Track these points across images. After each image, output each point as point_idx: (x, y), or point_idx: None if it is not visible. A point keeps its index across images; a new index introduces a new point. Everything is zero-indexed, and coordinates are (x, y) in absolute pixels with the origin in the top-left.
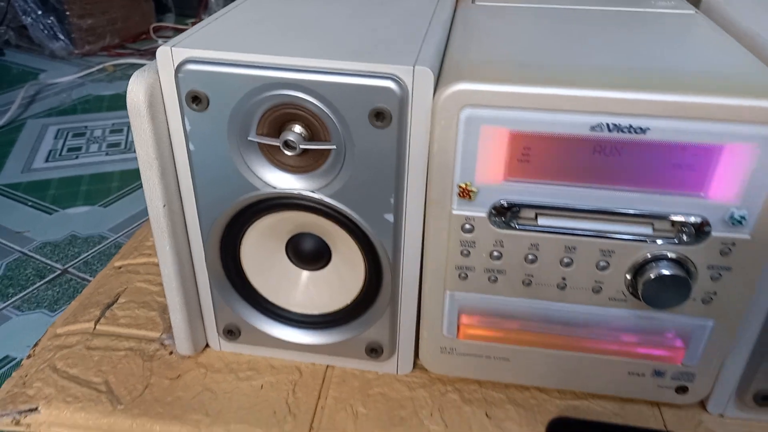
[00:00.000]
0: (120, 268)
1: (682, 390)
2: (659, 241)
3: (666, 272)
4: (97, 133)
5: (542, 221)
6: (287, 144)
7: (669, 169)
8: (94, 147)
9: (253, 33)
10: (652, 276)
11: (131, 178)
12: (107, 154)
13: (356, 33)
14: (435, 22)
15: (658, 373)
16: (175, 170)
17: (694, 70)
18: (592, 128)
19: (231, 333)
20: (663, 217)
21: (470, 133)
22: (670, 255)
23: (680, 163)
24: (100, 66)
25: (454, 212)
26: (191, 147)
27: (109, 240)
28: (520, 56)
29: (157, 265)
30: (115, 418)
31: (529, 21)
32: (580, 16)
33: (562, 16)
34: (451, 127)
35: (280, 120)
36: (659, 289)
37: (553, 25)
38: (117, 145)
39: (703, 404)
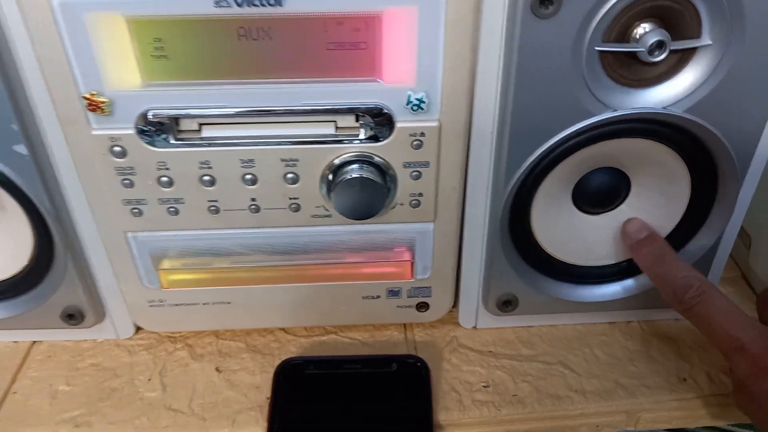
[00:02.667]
0: None
1: (422, 307)
2: (345, 142)
3: (354, 176)
4: None
5: (207, 132)
6: None
7: (330, 49)
8: None
9: None
10: (341, 183)
11: None
12: None
13: None
14: None
15: (393, 293)
16: None
17: None
18: (217, 3)
19: None
20: (340, 111)
21: (73, 24)
22: (359, 156)
23: (340, 42)
24: None
25: (94, 132)
26: None
27: None
28: None
29: None
30: None
31: None
32: None
33: None
34: (46, 17)
35: None
36: (351, 198)
37: None
38: None
39: (456, 319)
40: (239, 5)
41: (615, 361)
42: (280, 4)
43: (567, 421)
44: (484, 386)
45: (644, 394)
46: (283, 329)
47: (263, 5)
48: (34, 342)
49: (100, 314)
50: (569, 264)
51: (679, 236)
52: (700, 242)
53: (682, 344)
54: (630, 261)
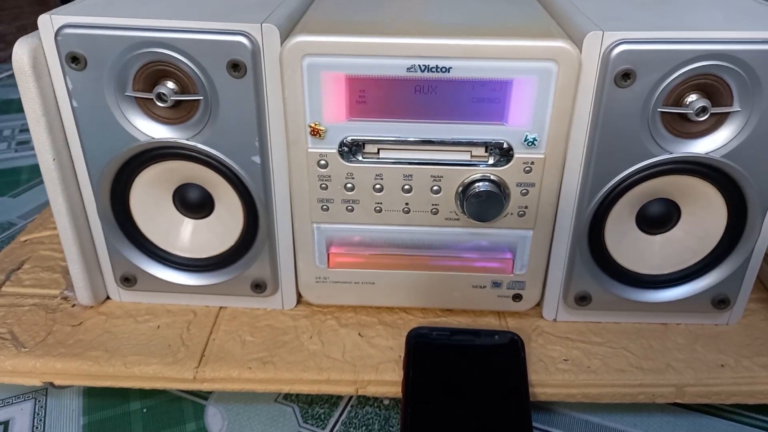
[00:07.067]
0: (26, 241)
1: (517, 297)
2: (476, 165)
3: (482, 189)
4: (7, 132)
5: (383, 154)
6: (160, 97)
7: (475, 102)
8: (3, 145)
9: (125, 1)
10: (472, 194)
11: (40, 172)
12: (16, 151)
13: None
14: None
15: (496, 284)
16: (62, 126)
17: (492, 21)
18: (408, 69)
19: (128, 280)
20: (476, 144)
21: (313, 79)
22: (485, 176)
23: (482, 97)
24: (9, 72)
25: (310, 150)
26: (74, 104)
27: (18, 226)
28: (357, 16)
29: None
30: (19, 360)
31: None
32: None
33: None
34: (297, 74)
35: (154, 77)
36: (479, 205)
37: None
38: (26, 142)
39: (540, 313)
40: (422, 71)
41: (666, 350)
42: (448, 72)
43: (628, 389)
44: (564, 360)
45: (689, 374)
46: (405, 310)
47: (437, 72)
48: (221, 307)
49: (276, 287)
50: (631, 271)
51: (717, 255)
52: (733, 262)
53: (722, 343)
54: (680, 272)
